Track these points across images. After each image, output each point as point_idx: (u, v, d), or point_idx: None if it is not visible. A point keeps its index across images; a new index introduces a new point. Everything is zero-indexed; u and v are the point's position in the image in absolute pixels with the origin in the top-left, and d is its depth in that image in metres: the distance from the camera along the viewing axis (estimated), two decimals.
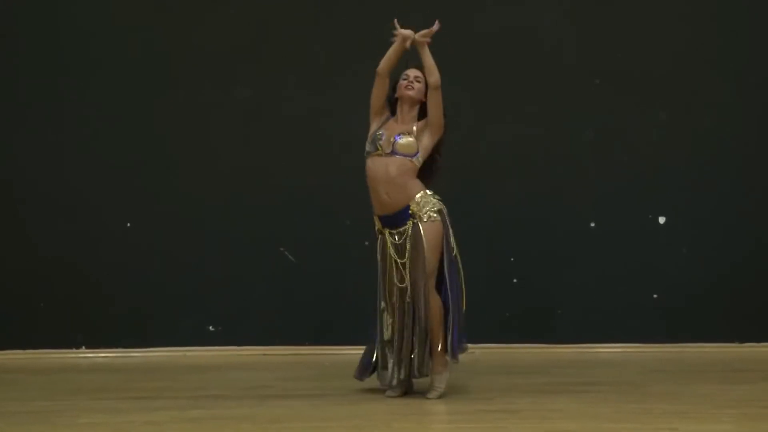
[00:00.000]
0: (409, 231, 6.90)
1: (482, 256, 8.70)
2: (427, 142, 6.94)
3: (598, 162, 8.87)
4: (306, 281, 8.79)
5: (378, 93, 7.02)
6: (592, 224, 8.86)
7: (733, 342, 8.81)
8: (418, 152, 6.91)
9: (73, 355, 8.83)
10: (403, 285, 6.93)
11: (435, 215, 6.90)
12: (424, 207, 6.90)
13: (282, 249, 8.84)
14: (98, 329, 8.85)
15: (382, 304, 7.04)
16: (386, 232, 6.98)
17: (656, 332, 8.80)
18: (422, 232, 6.87)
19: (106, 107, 8.85)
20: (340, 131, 8.61)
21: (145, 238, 8.84)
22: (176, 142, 8.88)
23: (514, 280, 8.86)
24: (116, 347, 8.84)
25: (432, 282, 6.90)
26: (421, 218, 6.88)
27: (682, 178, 8.83)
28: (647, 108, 8.84)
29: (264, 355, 8.78)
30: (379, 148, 6.90)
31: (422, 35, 6.91)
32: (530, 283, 8.85)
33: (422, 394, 7.01)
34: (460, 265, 7.00)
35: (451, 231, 6.96)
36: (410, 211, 6.90)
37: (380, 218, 7.01)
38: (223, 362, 8.59)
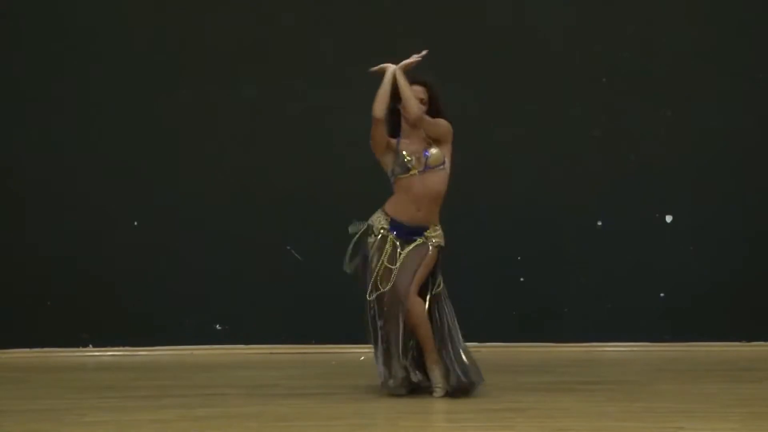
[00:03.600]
0: (414, 245, 6.95)
1: (489, 256, 8.71)
2: (446, 148, 7.04)
3: (605, 161, 8.87)
4: (312, 280, 8.79)
5: (379, 139, 7.00)
6: (599, 223, 8.85)
7: (739, 341, 8.80)
8: (444, 160, 6.97)
9: (80, 354, 8.84)
10: (389, 286, 6.95)
11: (438, 246, 7.01)
12: (437, 236, 7.04)
13: (288, 247, 8.85)
14: (105, 328, 8.86)
15: (371, 304, 7.02)
16: (391, 235, 7.00)
17: (663, 331, 8.79)
18: (429, 250, 6.96)
19: (110, 106, 8.86)
20: (346, 130, 8.62)
21: (152, 237, 8.85)
22: (182, 141, 8.88)
23: (521, 279, 8.86)
24: (123, 346, 8.85)
25: (416, 288, 6.93)
26: (431, 241, 6.96)
27: (688, 176, 8.82)
28: (653, 106, 8.83)
29: (270, 353, 8.79)
30: (412, 169, 6.95)
31: (403, 65, 6.91)
32: (537, 282, 8.84)
33: (428, 392, 7.01)
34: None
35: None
36: (425, 233, 6.97)
37: (393, 222, 7.01)
38: (230, 361, 8.59)
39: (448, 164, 7.03)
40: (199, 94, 8.86)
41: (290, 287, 8.83)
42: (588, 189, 8.85)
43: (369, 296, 6.99)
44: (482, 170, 8.75)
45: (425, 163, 6.95)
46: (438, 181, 6.99)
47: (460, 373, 6.89)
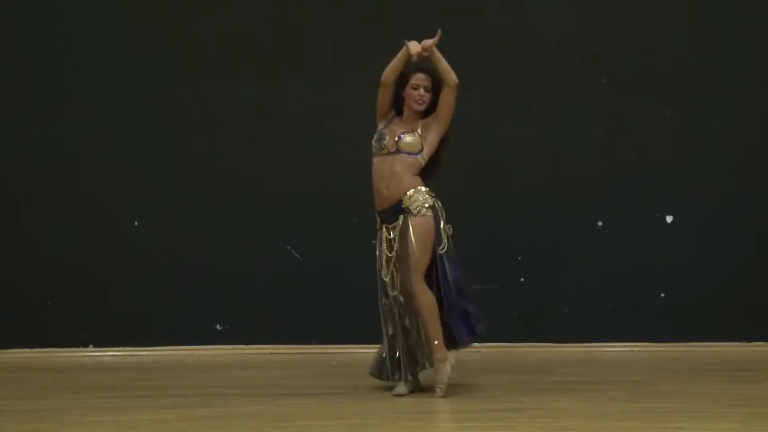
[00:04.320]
0: (400, 225, 6.95)
1: (489, 255, 8.70)
2: (433, 137, 7.01)
3: (605, 161, 8.86)
4: (313, 280, 8.79)
5: (383, 101, 7.08)
6: (600, 223, 8.85)
7: (740, 341, 8.79)
8: (422, 150, 6.95)
9: (80, 354, 8.84)
10: (395, 280, 6.97)
11: (426, 210, 6.93)
12: (415, 201, 6.94)
13: (289, 247, 8.85)
14: (105, 328, 8.86)
15: (383, 299, 7.06)
16: (384, 227, 7.04)
17: (663, 331, 8.79)
18: (410, 226, 6.90)
19: (111, 106, 8.86)
20: (347, 130, 8.62)
21: (152, 237, 8.85)
22: (183, 141, 8.88)
23: (521, 279, 8.86)
24: (123, 346, 8.85)
25: (419, 277, 6.91)
26: (411, 212, 6.92)
27: (689, 176, 8.82)
28: (653, 106, 8.83)
29: (271, 353, 8.79)
30: (384, 148, 6.96)
31: (426, 47, 6.92)
32: (537, 282, 8.84)
33: (429, 392, 7.01)
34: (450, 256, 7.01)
35: (443, 226, 6.96)
36: (402, 206, 6.94)
37: (379, 213, 7.06)
38: (230, 361, 8.59)
39: (426, 155, 6.99)
40: (199, 94, 8.86)
41: (291, 287, 8.83)
42: (588, 189, 8.85)
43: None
44: (482, 170, 8.75)
45: (397, 144, 6.97)
46: (404, 166, 6.95)
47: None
